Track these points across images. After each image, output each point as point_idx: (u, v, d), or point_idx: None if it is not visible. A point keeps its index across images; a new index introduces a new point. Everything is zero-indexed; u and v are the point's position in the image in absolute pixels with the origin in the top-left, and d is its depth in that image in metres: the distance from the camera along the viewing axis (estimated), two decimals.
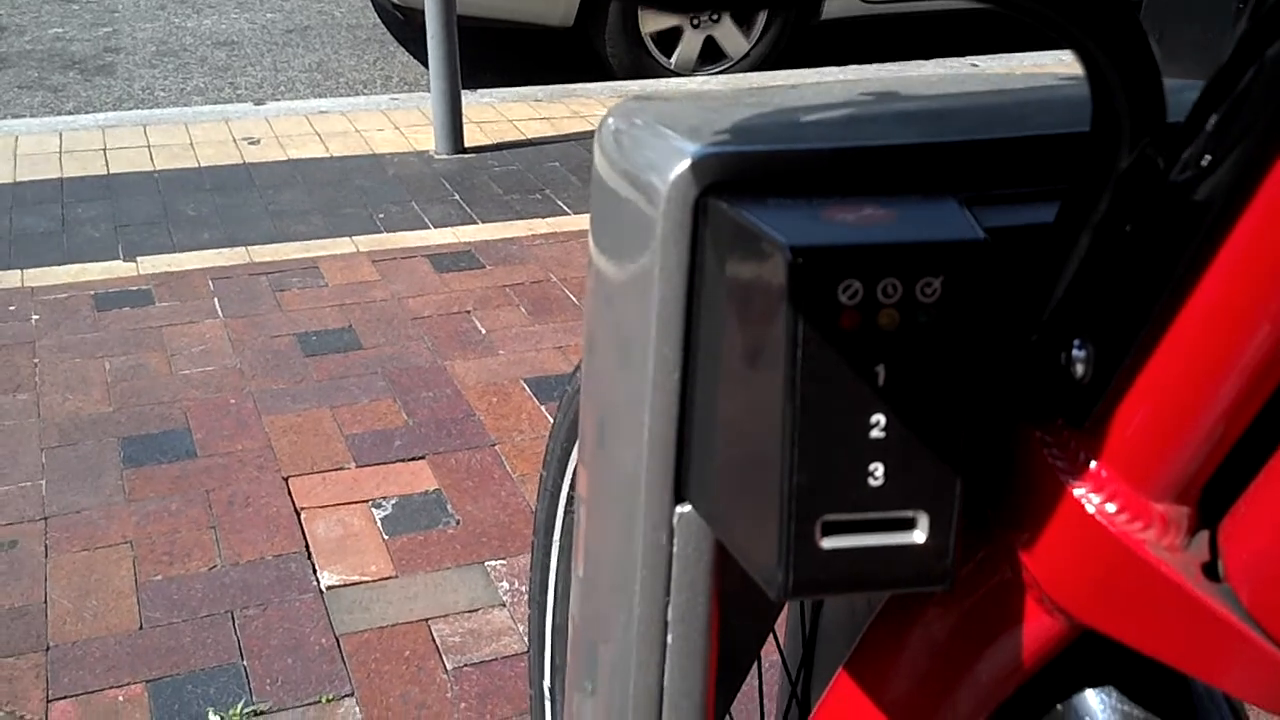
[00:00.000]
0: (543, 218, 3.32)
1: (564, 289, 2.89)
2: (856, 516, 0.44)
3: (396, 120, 4.09)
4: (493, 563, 1.91)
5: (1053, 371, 0.44)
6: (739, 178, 0.46)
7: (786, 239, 0.41)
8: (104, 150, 3.72)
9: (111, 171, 3.55)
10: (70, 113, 4.47)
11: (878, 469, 0.43)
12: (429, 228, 3.23)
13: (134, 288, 2.83)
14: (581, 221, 3.30)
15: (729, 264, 0.45)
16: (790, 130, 0.49)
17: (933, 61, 4.96)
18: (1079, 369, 0.42)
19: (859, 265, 0.41)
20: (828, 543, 0.43)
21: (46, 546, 1.93)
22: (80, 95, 4.70)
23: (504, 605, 1.81)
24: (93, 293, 2.80)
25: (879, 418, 0.43)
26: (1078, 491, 0.42)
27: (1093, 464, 0.42)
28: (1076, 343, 0.43)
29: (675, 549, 0.53)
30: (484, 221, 3.29)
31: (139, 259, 2.98)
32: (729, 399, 0.47)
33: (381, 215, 3.30)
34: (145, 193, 3.41)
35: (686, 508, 0.52)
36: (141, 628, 1.76)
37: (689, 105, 0.54)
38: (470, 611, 1.80)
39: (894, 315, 0.41)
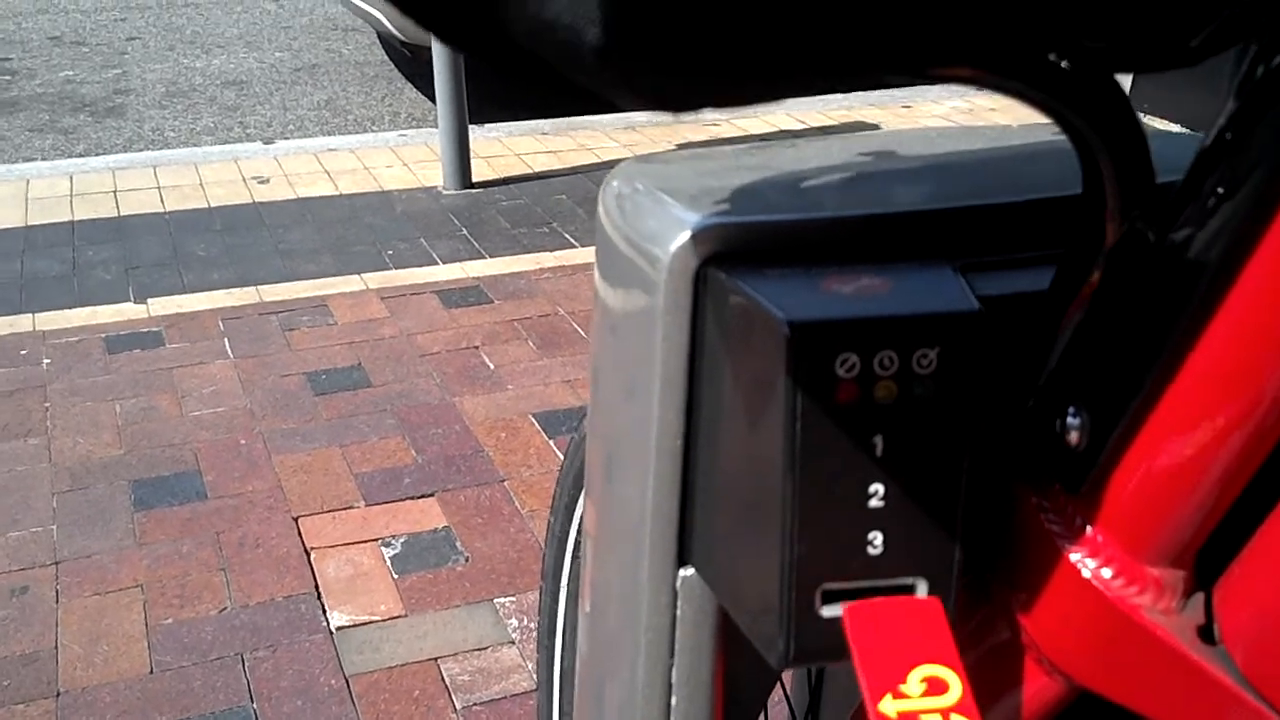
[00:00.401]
0: (550, 251, 3.33)
1: (572, 322, 2.89)
2: (856, 585, 0.44)
3: (404, 156, 4.11)
4: (502, 600, 1.91)
5: (1049, 438, 0.44)
6: (738, 248, 0.47)
7: (784, 313, 0.41)
8: (114, 192, 3.74)
9: (122, 213, 3.57)
10: (81, 155, 4.50)
11: (877, 537, 0.43)
12: (437, 264, 3.24)
13: (144, 329, 2.84)
14: (589, 254, 3.31)
15: (729, 334, 0.46)
16: (788, 197, 0.49)
17: (938, 87, 4.97)
18: (1074, 436, 0.43)
19: (855, 339, 0.41)
20: (828, 611, 0.44)
21: (58, 591, 1.93)
22: (91, 137, 4.73)
23: (513, 643, 1.81)
24: (104, 335, 2.81)
25: (877, 487, 0.43)
26: (1074, 556, 0.42)
27: (1089, 529, 0.42)
28: (1071, 410, 0.43)
29: (679, 612, 0.53)
30: (492, 256, 3.30)
31: (149, 300, 3.00)
32: (731, 466, 0.47)
33: (390, 252, 3.32)
34: (155, 234, 3.42)
35: (690, 571, 0.52)
36: (152, 672, 1.76)
37: (689, 169, 0.55)
38: (479, 649, 1.80)
39: (891, 387, 0.42)
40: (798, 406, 0.41)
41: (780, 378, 0.41)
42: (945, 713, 0.40)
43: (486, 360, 2.70)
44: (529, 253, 3.33)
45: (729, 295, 0.45)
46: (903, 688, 0.41)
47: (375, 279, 3.14)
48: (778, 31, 0.33)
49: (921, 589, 0.44)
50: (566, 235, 3.45)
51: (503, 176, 3.93)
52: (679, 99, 0.36)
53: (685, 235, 0.47)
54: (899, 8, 0.34)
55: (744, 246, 0.47)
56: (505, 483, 2.23)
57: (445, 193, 3.78)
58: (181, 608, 1.89)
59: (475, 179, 3.86)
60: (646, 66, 0.33)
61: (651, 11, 0.32)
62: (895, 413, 0.42)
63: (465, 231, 3.47)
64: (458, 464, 2.29)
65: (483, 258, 3.29)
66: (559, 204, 3.68)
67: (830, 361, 0.41)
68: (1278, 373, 0.35)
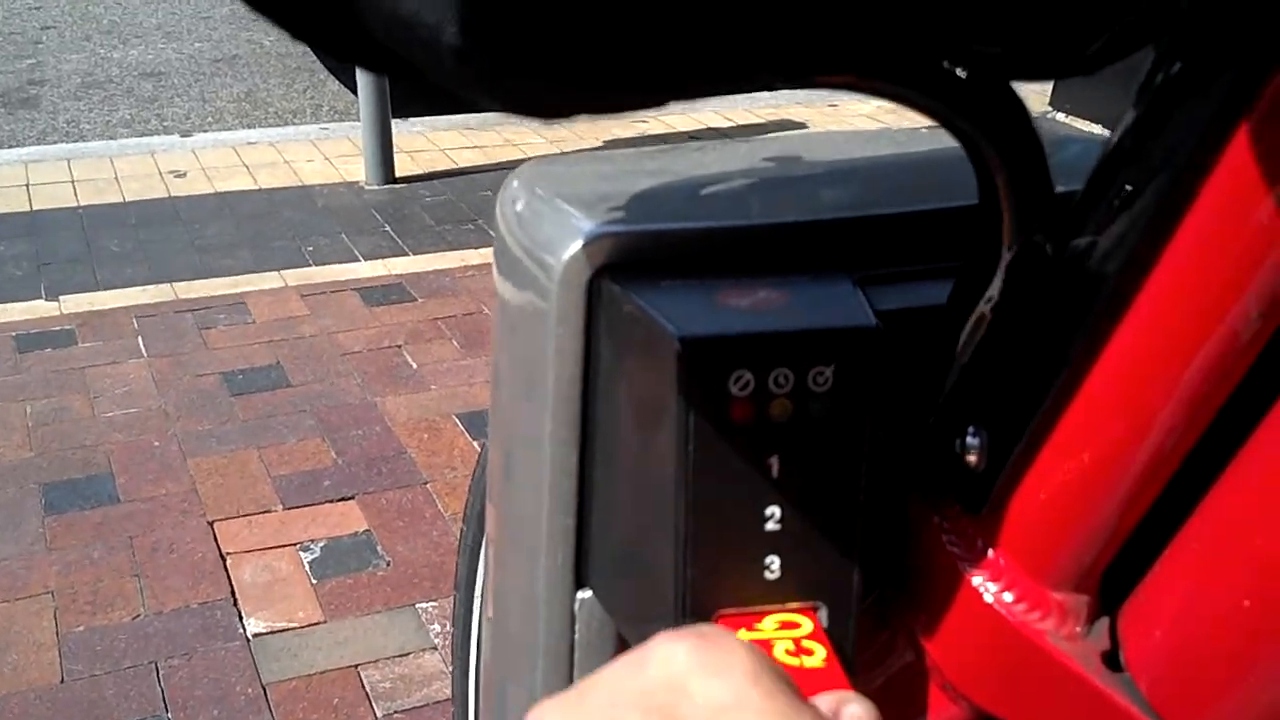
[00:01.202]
0: (475, 248, 3.30)
1: None
2: (753, 610, 0.43)
3: (326, 150, 4.05)
4: (424, 605, 1.88)
5: (948, 457, 0.43)
6: (632, 258, 0.46)
7: (676, 328, 0.40)
8: (27, 186, 3.65)
9: (35, 208, 3.48)
10: None
11: (774, 561, 0.42)
12: (359, 260, 3.20)
13: (56, 328, 2.78)
14: None
15: (622, 348, 0.44)
16: (686, 205, 0.48)
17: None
18: (973, 457, 0.42)
19: (749, 355, 0.40)
20: None
21: None
22: (3, 129, 4.61)
23: (435, 649, 1.79)
24: (14, 334, 2.74)
25: (774, 509, 0.42)
26: (975, 580, 0.41)
27: (990, 552, 0.41)
28: (970, 430, 0.42)
29: (578, 635, 0.52)
30: (415, 253, 3.26)
31: (61, 298, 2.93)
32: (625, 485, 0.46)
33: (310, 248, 3.27)
34: (69, 229, 3.35)
35: (588, 593, 0.51)
36: (63, 681, 1.71)
37: (589, 173, 0.53)
38: (401, 656, 1.78)
39: (786, 405, 0.41)
40: (690, 425, 0.40)
41: (672, 395, 0.40)
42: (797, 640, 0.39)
43: (409, 359, 2.67)
44: (453, 250, 3.30)
45: (622, 307, 0.44)
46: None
47: (295, 276, 3.09)
48: (646, 36, 0.32)
49: (821, 614, 0.43)
50: (492, 232, 3.42)
51: (427, 172, 3.89)
52: (546, 105, 0.34)
53: (578, 244, 0.46)
54: (772, 12, 0.33)
55: (638, 256, 0.46)
56: (428, 485, 2.20)
57: (368, 188, 3.73)
58: (94, 615, 1.85)
59: (399, 174, 3.82)
60: (508, 69, 0.32)
61: (512, 10, 0.31)
62: (791, 432, 0.41)
63: (388, 228, 3.43)
64: (379, 466, 2.26)
65: (406, 254, 3.25)
66: (484, 200, 3.65)
67: (724, 379, 0.40)
68: (1175, 394, 0.35)
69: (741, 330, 0.40)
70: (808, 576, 0.42)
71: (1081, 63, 0.37)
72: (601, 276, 0.46)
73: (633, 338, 0.43)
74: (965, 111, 0.37)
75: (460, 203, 3.64)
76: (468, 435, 2.36)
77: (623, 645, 0.52)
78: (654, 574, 0.43)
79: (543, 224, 0.49)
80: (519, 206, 0.52)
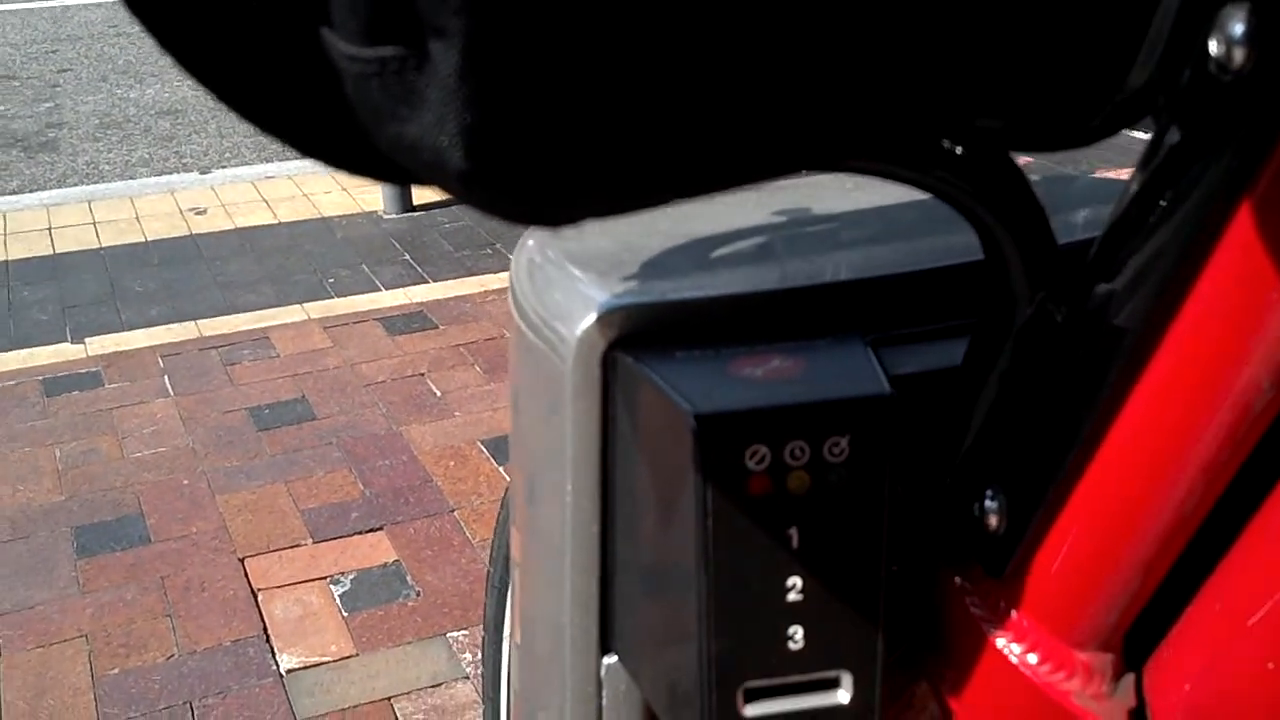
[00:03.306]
0: (494, 273, 3.31)
1: None
2: (778, 681, 0.43)
3: (344, 182, 4.08)
4: (455, 634, 1.89)
5: (968, 521, 0.43)
6: (646, 328, 0.46)
7: (691, 406, 0.40)
8: (49, 229, 3.69)
9: (57, 251, 3.52)
10: (14, 192, 4.43)
11: (797, 632, 0.42)
12: (380, 290, 3.22)
13: (83, 370, 2.80)
14: None
15: (638, 420, 0.45)
16: (699, 270, 0.48)
17: None
18: (993, 520, 0.42)
19: (764, 430, 0.40)
20: (751, 710, 0.42)
21: (0, 645, 1.89)
22: (24, 173, 4.66)
23: (467, 678, 1.79)
24: (41, 378, 2.76)
25: (795, 580, 0.42)
26: (999, 641, 0.41)
27: (1013, 613, 0.41)
28: (989, 493, 0.42)
29: (605, 701, 0.51)
30: (435, 280, 3.27)
31: (87, 340, 2.95)
32: (647, 555, 0.46)
33: (332, 280, 3.29)
34: (92, 271, 3.37)
35: (613, 659, 0.51)
36: None
37: (602, 235, 0.53)
38: (434, 686, 1.78)
39: (804, 478, 0.41)
40: (708, 501, 0.40)
41: (690, 470, 0.40)
42: None
43: (433, 387, 2.68)
44: (473, 275, 3.31)
45: (637, 380, 0.44)
46: None
47: (317, 308, 3.11)
48: (651, 158, 0.32)
49: (846, 681, 0.43)
50: (511, 257, 3.43)
51: (444, 199, 3.89)
52: (556, 219, 0.34)
53: (592, 316, 0.46)
54: (775, 122, 0.33)
55: (651, 326, 0.46)
56: (455, 512, 2.21)
57: (386, 217, 3.75)
58: (128, 657, 1.86)
59: (416, 202, 3.83)
60: (515, 191, 0.32)
61: (517, 138, 0.31)
62: (809, 504, 0.41)
63: (408, 256, 3.45)
64: (406, 495, 2.26)
65: (426, 282, 3.26)
66: (502, 225, 3.66)
67: (740, 455, 0.40)
68: (1193, 458, 0.35)
69: (755, 405, 0.40)
70: (831, 645, 0.42)
71: (1082, 135, 0.37)
72: (615, 348, 0.46)
73: (649, 411, 0.43)
74: (966, 186, 0.37)
75: (478, 229, 3.65)
76: (493, 461, 2.36)
77: (649, 714, 0.52)
78: (679, 646, 0.43)
79: (555, 291, 0.49)
80: (533, 270, 0.52)
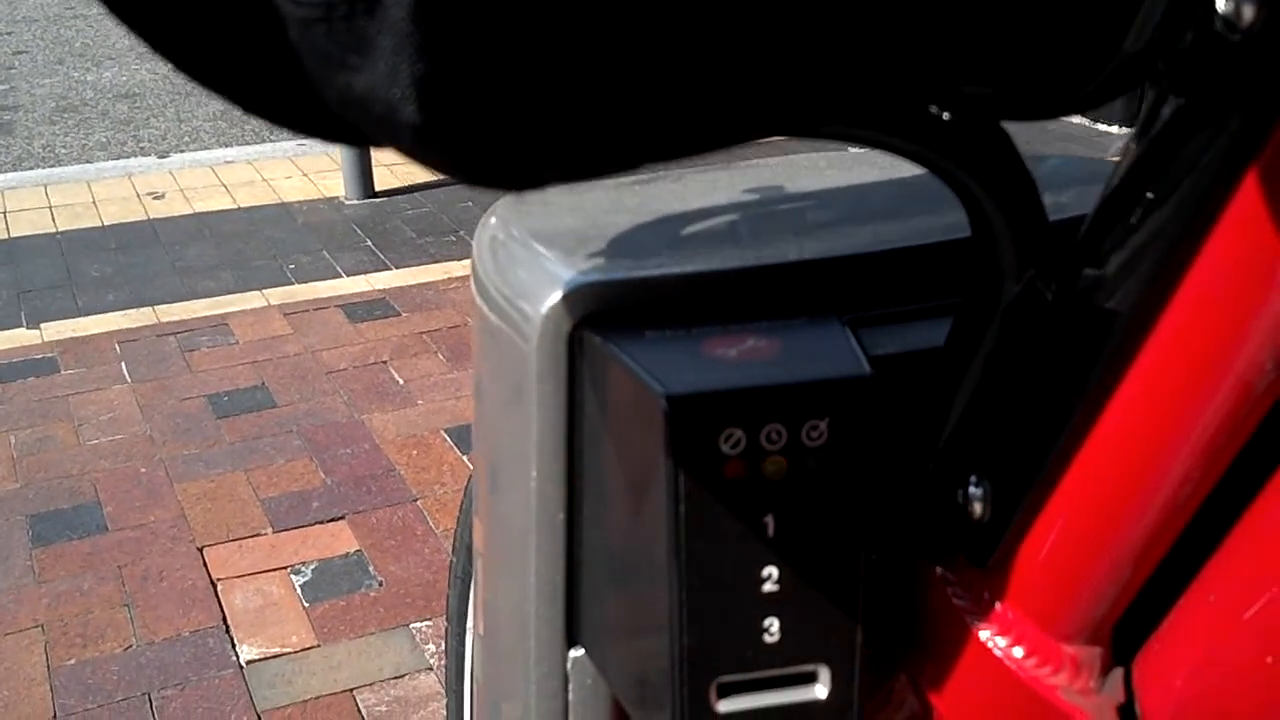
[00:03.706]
0: (458, 260, 3.28)
1: None
2: (753, 676, 0.41)
3: (304, 167, 4.03)
4: (418, 625, 1.87)
5: (950, 508, 0.42)
6: (614, 306, 0.44)
7: (663, 387, 0.38)
8: (4, 213, 3.63)
9: (12, 235, 3.46)
10: None
11: (773, 624, 0.41)
12: (341, 276, 3.18)
13: (38, 355, 2.75)
14: None
15: (607, 402, 0.43)
16: (669, 247, 0.47)
17: None
18: (976, 508, 0.41)
19: (739, 412, 0.38)
20: (724, 705, 0.41)
21: None
22: None
23: (431, 669, 1.77)
24: None
25: (771, 570, 0.40)
26: (983, 634, 0.40)
27: (998, 605, 0.40)
28: (973, 479, 0.41)
29: (571, 695, 0.50)
30: (398, 267, 3.24)
31: (43, 325, 2.90)
32: (616, 543, 0.44)
33: (292, 266, 3.25)
34: (48, 255, 3.32)
35: (580, 652, 0.49)
36: (55, 716, 1.69)
37: (567, 210, 0.52)
38: (396, 678, 1.76)
39: (780, 462, 0.39)
40: (680, 486, 0.39)
41: (661, 455, 0.39)
42: None
43: (395, 375, 2.65)
44: (436, 263, 3.28)
45: (605, 360, 0.43)
46: None
47: (277, 294, 3.07)
48: (622, 109, 0.30)
49: (823, 675, 0.42)
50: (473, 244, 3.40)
51: (407, 184, 3.87)
52: (513, 180, 0.32)
53: (557, 294, 0.44)
54: (756, 80, 0.31)
55: (620, 305, 0.44)
56: (418, 501, 2.19)
57: (347, 203, 3.71)
58: (84, 647, 1.83)
59: (378, 188, 3.80)
60: (471, 149, 0.30)
61: (474, 89, 0.29)
62: (786, 489, 0.40)
63: (369, 242, 3.41)
64: (368, 484, 2.24)
65: (388, 269, 3.23)
66: (466, 211, 3.64)
67: (714, 438, 0.38)
68: (1187, 443, 0.34)
69: (730, 385, 0.39)
70: (808, 638, 0.41)
71: (1075, 101, 0.35)
72: (582, 328, 0.44)
73: (618, 393, 0.42)
74: (954, 155, 0.36)
75: (441, 215, 3.62)
76: (457, 450, 2.34)
77: (618, 708, 0.51)
78: (649, 639, 0.42)
79: (520, 269, 0.47)
80: (496, 247, 0.50)
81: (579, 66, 0.29)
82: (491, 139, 0.30)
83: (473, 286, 0.53)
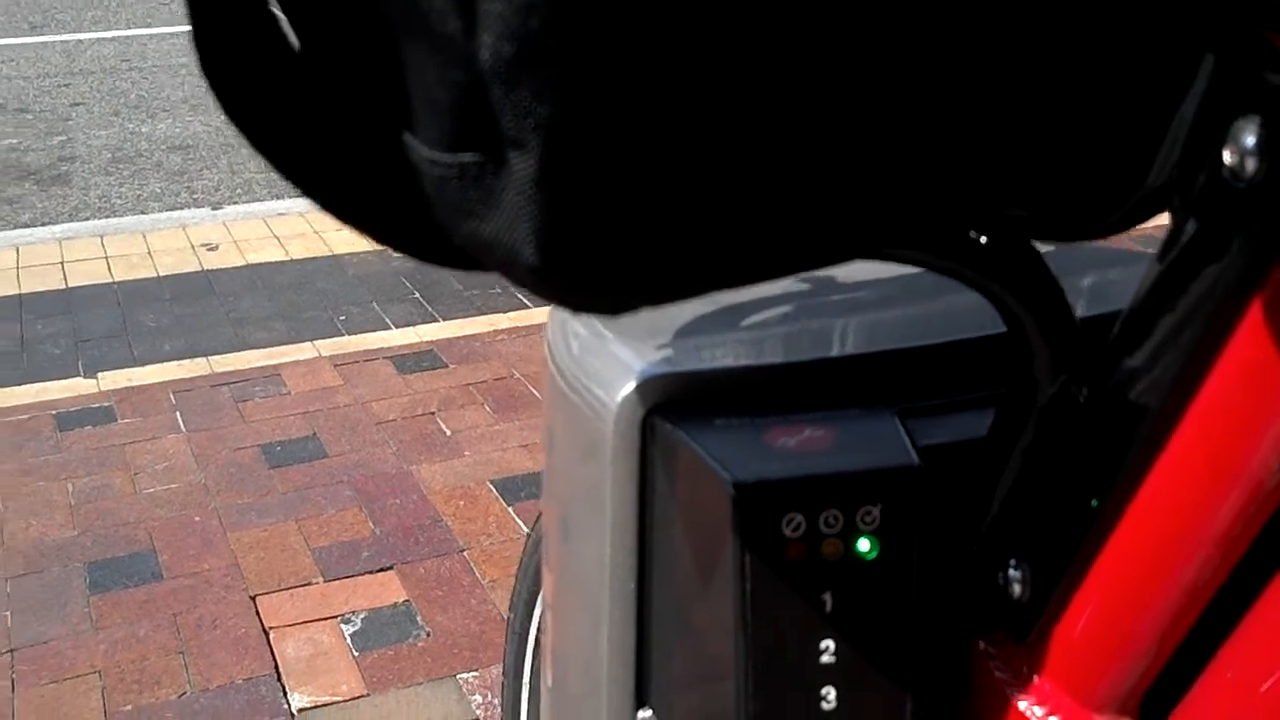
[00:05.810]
0: (504, 312, 3.34)
1: (528, 385, 2.90)
2: None
3: None
4: (465, 675, 1.90)
5: (992, 588, 0.45)
6: (683, 396, 0.48)
7: (730, 474, 0.42)
8: (61, 263, 3.72)
9: (70, 285, 3.54)
10: (26, 225, 4.47)
11: (830, 693, 0.44)
12: (390, 328, 3.24)
13: (95, 405, 2.82)
14: (544, 314, 3.31)
15: (677, 484, 0.47)
16: (734, 340, 0.51)
17: None
18: (1016, 589, 0.44)
19: (800, 499, 0.42)
20: None
21: (13, 680, 1.91)
22: (36, 206, 4.70)
23: (478, 719, 1.80)
24: (54, 412, 2.78)
25: (828, 643, 0.44)
26: (1022, 704, 0.43)
27: (1036, 678, 0.43)
28: (1013, 562, 0.44)
29: None
30: (445, 319, 3.30)
31: (100, 375, 2.97)
32: (685, 613, 0.48)
33: (343, 318, 3.31)
34: (104, 305, 3.40)
35: (649, 713, 0.53)
36: None
37: None
38: None
39: (837, 545, 0.43)
40: (746, 565, 0.42)
41: (728, 535, 0.43)
42: None
43: (443, 426, 2.70)
44: (483, 314, 3.33)
45: (676, 447, 0.46)
46: None
47: (328, 346, 3.13)
48: (708, 257, 0.35)
49: None
50: (520, 296, 3.46)
51: None
52: (615, 307, 0.37)
53: (631, 385, 0.48)
54: (821, 224, 0.35)
55: (689, 394, 0.48)
56: (465, 552, 2.22)
57: (396, 255, 3.77)
58: (140, 693, 1.87)
59: None
60: (580, 285, 0.35)
61: (584, 239, 0.33)
62: (842, 569, 0.43)
63: (417, 294, 3.47)
64: (416, 535, 2.28)
65: (436, 320, 3.29)
66: None
67: (776, 521, 0.42)
68: (1209, 532, 0.37)
69: (792, 474, 0.43)
70: (862, 706, 0.45)
71: (1101, 227, 0.39)
72: (654, 415, 0.48)
73: (688, 477, 0.46)
74: (988, 272, 0.40)
75: None
76: (502, 501, 2.38)
77: None
78: (716, 704, 0.45)
79: (593, 357, 0.51)
80: (569, 333, 0.54)
81: (670, 221, 0.33)
82: (596, 278, 0.34)
83: (547, 357, 0.56)
